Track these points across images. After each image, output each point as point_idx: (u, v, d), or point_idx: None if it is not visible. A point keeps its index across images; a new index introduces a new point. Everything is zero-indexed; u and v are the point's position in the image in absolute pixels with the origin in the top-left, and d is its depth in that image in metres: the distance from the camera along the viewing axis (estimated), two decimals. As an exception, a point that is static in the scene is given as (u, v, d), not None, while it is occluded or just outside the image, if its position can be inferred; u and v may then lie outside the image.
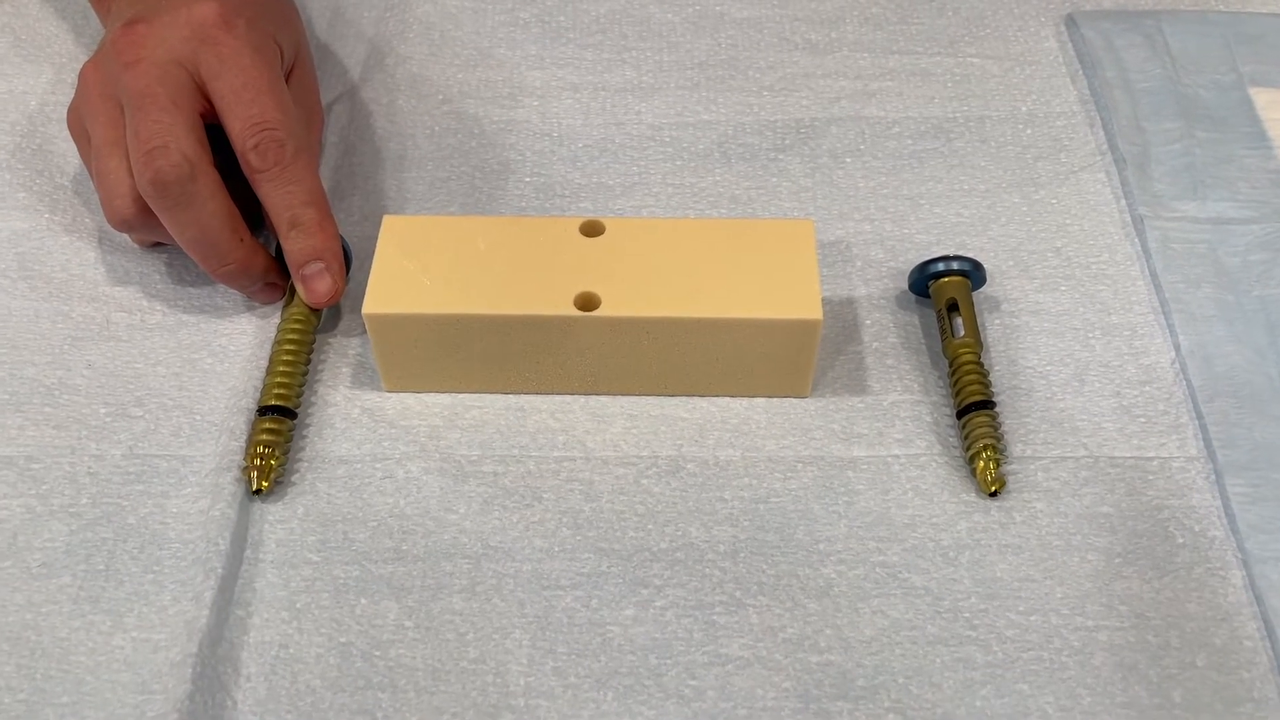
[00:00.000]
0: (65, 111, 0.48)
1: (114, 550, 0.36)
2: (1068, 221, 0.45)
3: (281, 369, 0.38)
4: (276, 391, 0.38)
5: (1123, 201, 0.46)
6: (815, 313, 0.37)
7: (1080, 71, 0.51)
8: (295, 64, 0.44)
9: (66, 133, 0.47)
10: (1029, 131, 0.49)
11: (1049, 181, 0.47)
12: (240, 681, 0.33)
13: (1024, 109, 0.49)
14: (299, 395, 0.39)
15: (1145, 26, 0.52)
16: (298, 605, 0.35)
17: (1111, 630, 0.35)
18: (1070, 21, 0.53)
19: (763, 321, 0.37)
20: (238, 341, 0.41)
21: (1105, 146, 0.48)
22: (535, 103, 0.50)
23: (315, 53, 0.51)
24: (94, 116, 0.40)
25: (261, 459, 0.36)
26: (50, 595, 0.35)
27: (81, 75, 0.41)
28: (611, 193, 0.46)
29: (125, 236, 0.44)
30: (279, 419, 0.37)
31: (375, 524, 0.37)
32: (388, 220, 0.39)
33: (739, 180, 0.47)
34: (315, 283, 0.39)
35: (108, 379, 0.40)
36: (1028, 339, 0.42)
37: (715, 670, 0.34)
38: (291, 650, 0.34)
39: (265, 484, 0.36)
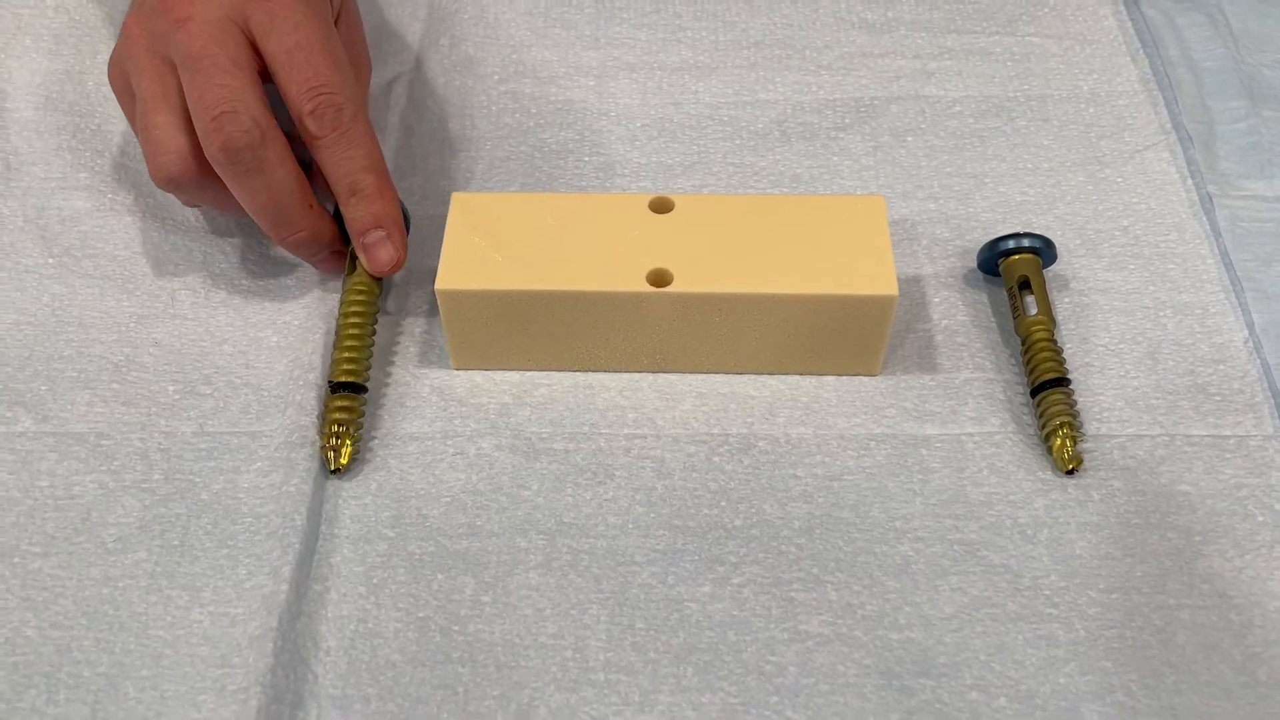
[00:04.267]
0: (123, 91, 0.48)
1: (188, 526, 0.36)
2: (1135, 200, 0.45)
3: (349, 344, 0.38)
4: (345, 368, 0.38)
5: (1189, 180, 0.45)
6: (891, 288, 0.37)
7: (1141, 50, 0.50)
8: (341, 9, 0.43)
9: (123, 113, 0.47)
10: (1091, 110, 0.48)
11: (1114, 160, 0.46)
12: (320, 655, 0.33)
13: (1085, 88, 0.49)
14: (368, 368, 0.38)
15: (1206, 5, 0.51)
16: (374, 580, 0.35)
17: (1194, 609, 0.34)
18: (1129, 0, 0.52)
19: (837, 297, 0.37)
20: (301, 317, 0.41)
21: (1169, 125, 0.47)
22: (591, 83, 0.49)
23: (370, 34, 0.50)
24: (140, 72, 0.39)
25: (337, 438, 0.36)
26: (127, 570, 0.35)
27: (125, 28, 0.40)
28: (671, 172, 0.46)
29: (186, 213, 0.44)
30: (351, 395, 0.37)
31: (449, 500, 0.36)
32: (457, 197, 0.39)
33: (799, 159, 0.46)
34: (377, 251, 0.39)
35: (175, 356, 0.40)
36: (1098, 317, 0.41)
37: (795, 647, 0.33)
38: (370, 625, 0.34)
39: (343, 462, 0.36)
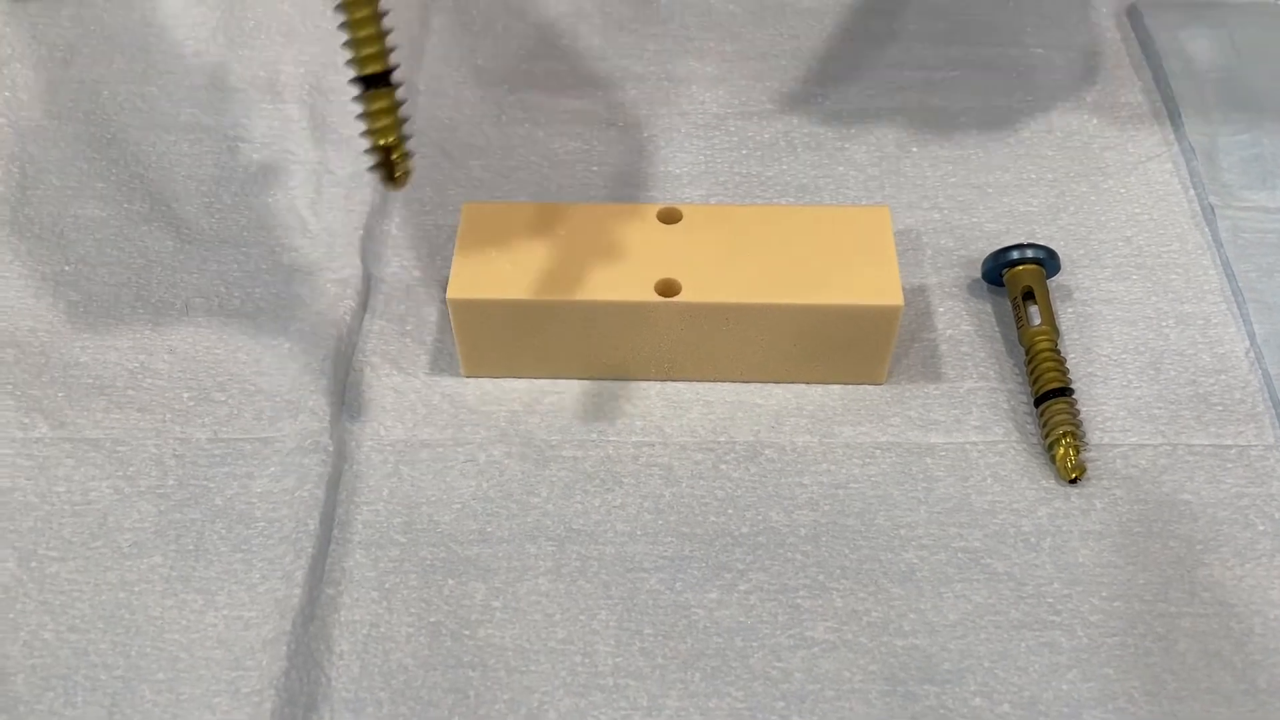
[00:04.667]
0: (137, 101, 0.49)
1: (202, 531, 0.36)
2: (1138, 211, 0.45)
3: (363, 32, 0.32)
4: (368, 53, 0.31)
5: (1192, 191, 0.46)
6: (896, 299, 0.37)
7: (1144, 62, 0.51)
8: None
9: (140, 121, 0.48)
10: (1095, 121, 0.49)
11: (1117, 171, 0.47)
12: (333, 659, 0.34)
13: (1089, 99, 0.49)
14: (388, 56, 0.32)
15: (1209, 18, 0.52)
16: (386, 585, 0.35)
17: (1195, 617, 0.35)
18: (1133, 12, 0.53)
19: (843, 308, 0.37)
20: (312, 324, 0.41)
21: (1172, 137, 0.48)
22: (600, 93, 0.50)
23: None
24: None
25: (391, 148, 0.32)
26: (142, 574, 0.35)
27: None
28: (679, 182, 0.47)
29: (200, 222, 0.45)
30: (389, 90, 0.32)
31: (459, 506, 0.37)
32: (467, 207, 0.40)
33: (806, 170, 0.47)
34: None
35: (189, 364, 0.40)
36: (1101, 327, 0.42)
37: (801, 653, 0.34)
38: (382, 629, 0.34)
39: (408, 170, 0.32)
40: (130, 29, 0.52)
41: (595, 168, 0.47)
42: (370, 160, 0.33)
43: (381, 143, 0.32)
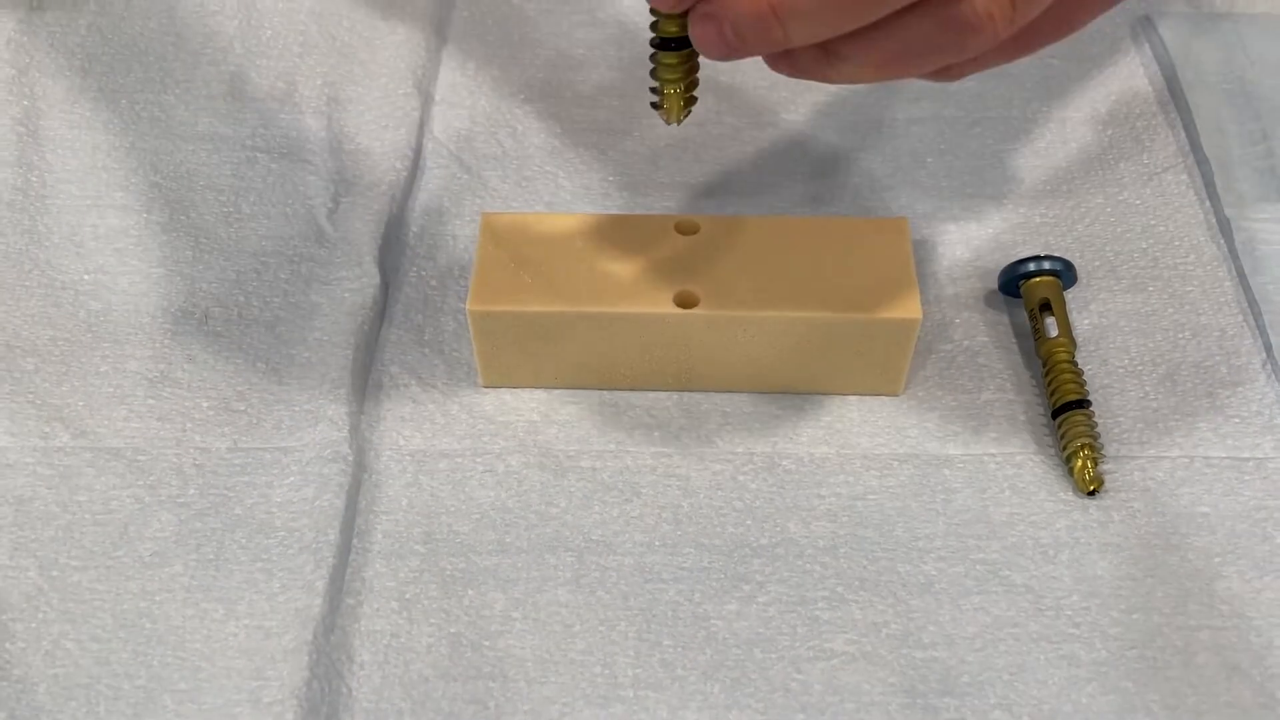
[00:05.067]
0: (155, 110, 0.49)
1: (223, 540, 0.36)
2: (1153, 222, 0.45)
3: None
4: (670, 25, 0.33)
5: (1207, 203, 0.46)
6: (914, 311, 0.37)
7: (1158, 73, 0.51)
8: None
9: (159, 131, 0.48)
10: (1110, 132, 0.49)
11: (1132, 182, 0.47)
12: (354, 669, 0.34)
13: (1104, 110, 0.50)
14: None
15: (1222, 29, 0.52)
16: (407, 595, 0.35)
17: (1214, 630, 0.35)
18: (1146, 24, 0.53)
19: (861, 320, 0.37)
20: (330, 333, 0.41)
21: (1187, 148, 0.48)
22: (615, 103, 0.50)
23: (392, 53, 0.51)
24: None
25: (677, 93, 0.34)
26: (163, 584, 0.35)
27: None
28: (695, 192, 0.47)
29: (219, 231, 0.45)
30: (681, 50, 0.33)
31: (479, 517, 0.37)
32: (486, 217, 0.40)
33: (821, 180, 0.47)
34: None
35: (209, 373, 0.41)
36: (1118, 339, 0.42)
37: (820, 665, 0.34)
38: (403, 639, 0.34)
39: (684, 115, 0.35)
40: (148, 38, 0.52)
41: (612, 178, 0.47)
42: (658, 100, 0.35)
43: (675, 92, 0.34)
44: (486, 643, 0.34)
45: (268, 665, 0.34)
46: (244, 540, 0.36)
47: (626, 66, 0.52)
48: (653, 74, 0.35)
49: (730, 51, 0.31)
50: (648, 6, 0.32)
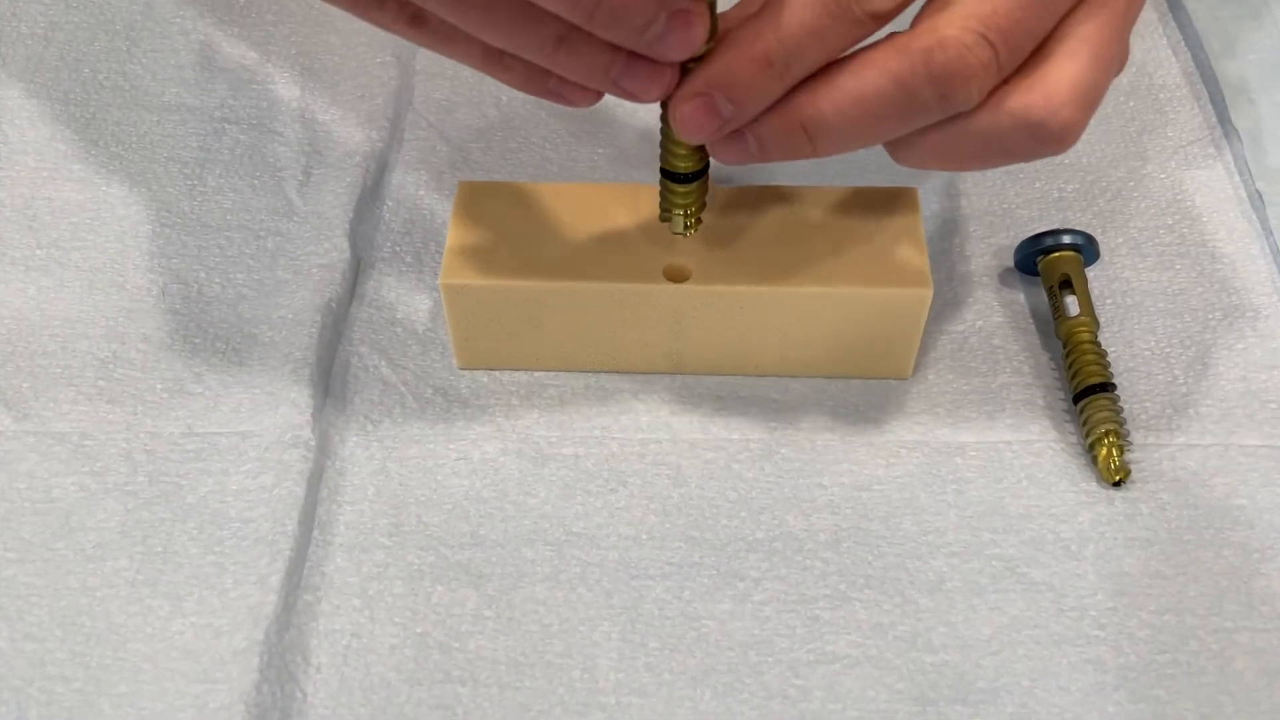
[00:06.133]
0: (120, 80, 0.46)
1: (172, 531, 0.33)
2: (1179, 197, 0.42)
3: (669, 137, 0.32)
4: (680, 151, 0.32)
5: (1237, 177, 0.43)
6: (925, 284, 0.34)
7: (1182, 44, 0.48)
8: None
9: (122, 101, 0.46)
10: (1131, 104, 0.46)
11: (1156, 156, 0.44)
12: (310, 671, 0.31)
13: (1124, 81, 0.47)
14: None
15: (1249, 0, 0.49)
16: (370, 592, 0.32)
17: (1253, 632, 0.32)
18: (1170, -8, 0.50)
19: (868, 294, 0.34)
20: (295, 310, 0.38)
21: (1214, 120, 0.45)
22: (607, 73, 0.47)
23: (374, 28, 0.48)
24: None
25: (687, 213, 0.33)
26: (106, 579, 0.33)
27: None
28: (690, 166, 0.44)
29: (182, 205, 0.42)
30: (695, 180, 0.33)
31: (450, 507, 0.34)
32: (463, 186, 0.37)
33: (825, 153, 0.44)
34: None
35: (165, 353, 0.38)
36: (1144, 320, 0.39)
37: (821, 669, 0.31)
38: (364, 639, 0.31)
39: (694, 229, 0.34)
40: (115, 6, 0.50)
41: (601, 149, 0.44)
42: (668, 216, 0.34)
43: (684, 214, 0.34)
44: (456, 644, 0.31)
45: (215, 667, 0.31)
46: (195, 531, 0.33)
47: (618, 36, 0.49)
48: (662, 195, 0.34)
49: (748, 160, 0.30)
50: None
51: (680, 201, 0.33)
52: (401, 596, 0.32)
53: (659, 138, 0.33)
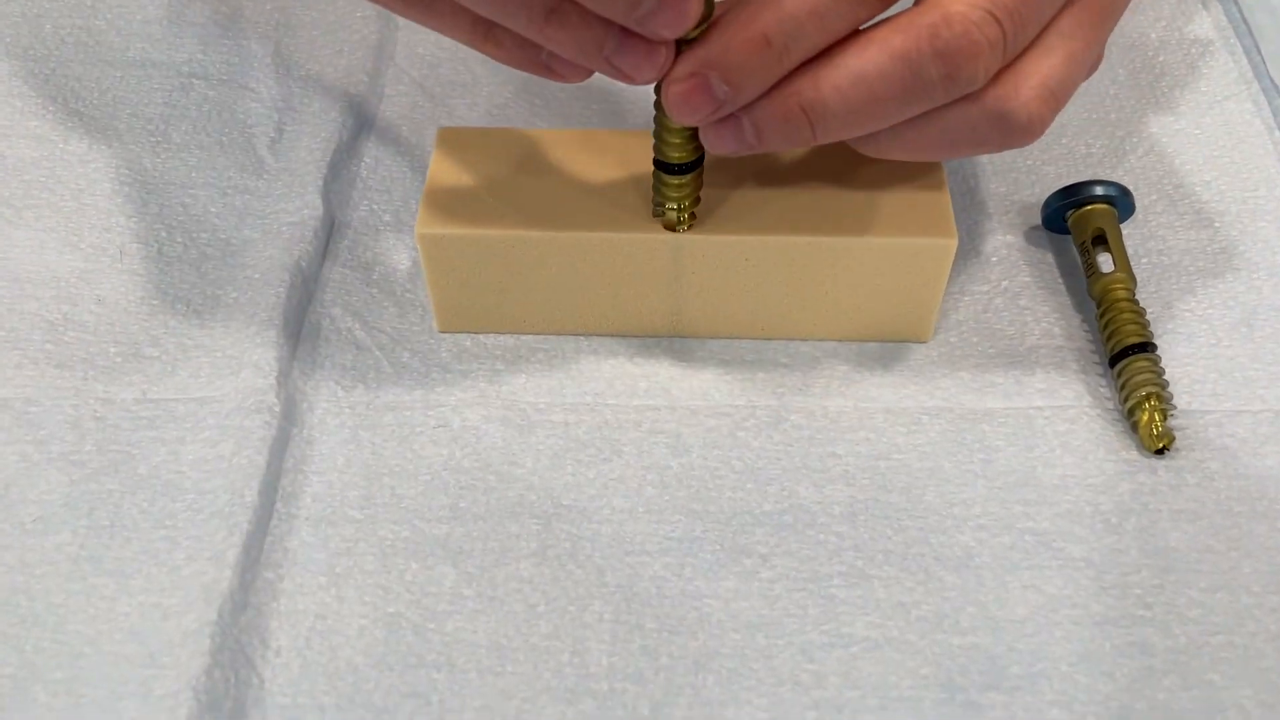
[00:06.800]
0: (82, 35, 0.43)
1: (120, 503, 0.30)
2: (1216, 153, 0.39)
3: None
4: (674, 142, 0.30)
5: (1277, 133, 0.40)
6: (949, 234, 0.31)
7: (1214, -3, 0.45)
8: None
9: (85, 56, 0.43)
10: (1161, 59, 0.43)
11: (1190, 111, 0.41)
12: (268, 656, 0.28)
13: (1153, 35, 0.44)
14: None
15: (1284, -50, 0.46)
16: (338, 569, 0.29)
17: (1315, 612, 0.29)
18: (1198, -54, 0.47)
19: (886, 245, 0.31)
20: (264, 270, 0.35)
21: (1250, 74, 0.42)
22: (602, 29, 0.44)
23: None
24: None
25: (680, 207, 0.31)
26: (45, 555, 0.29)
27: None
28: (690, 123, 0.41)
29: (144, 162, 0.39)
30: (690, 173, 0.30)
31: (428, 478, 0.31)
32: (443, 132, 0.34)
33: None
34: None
35: (120, 315, 0.35)
36: (1182, 279, 0.36)
37: (838, 653, 0.28)
38: (330, 621, 0.28)
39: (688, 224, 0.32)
40: (79, -39, 0.47)
41: (596, 105, 0.41)
42: (661, 211, 0.32)
43: (678, 208, 0.31)
44: (431, 625, 0.28)
45: (162, 651, 0.28)
46: (145, 504, 0.30)
47: (614, -9, 0.46)
48: (655, 189, 0.31)
49: (744, 150, 0.28)
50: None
51: (674, 194, 0.31)
52: (372, 574, 0.29)
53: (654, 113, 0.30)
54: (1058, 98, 0.27)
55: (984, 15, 0.25)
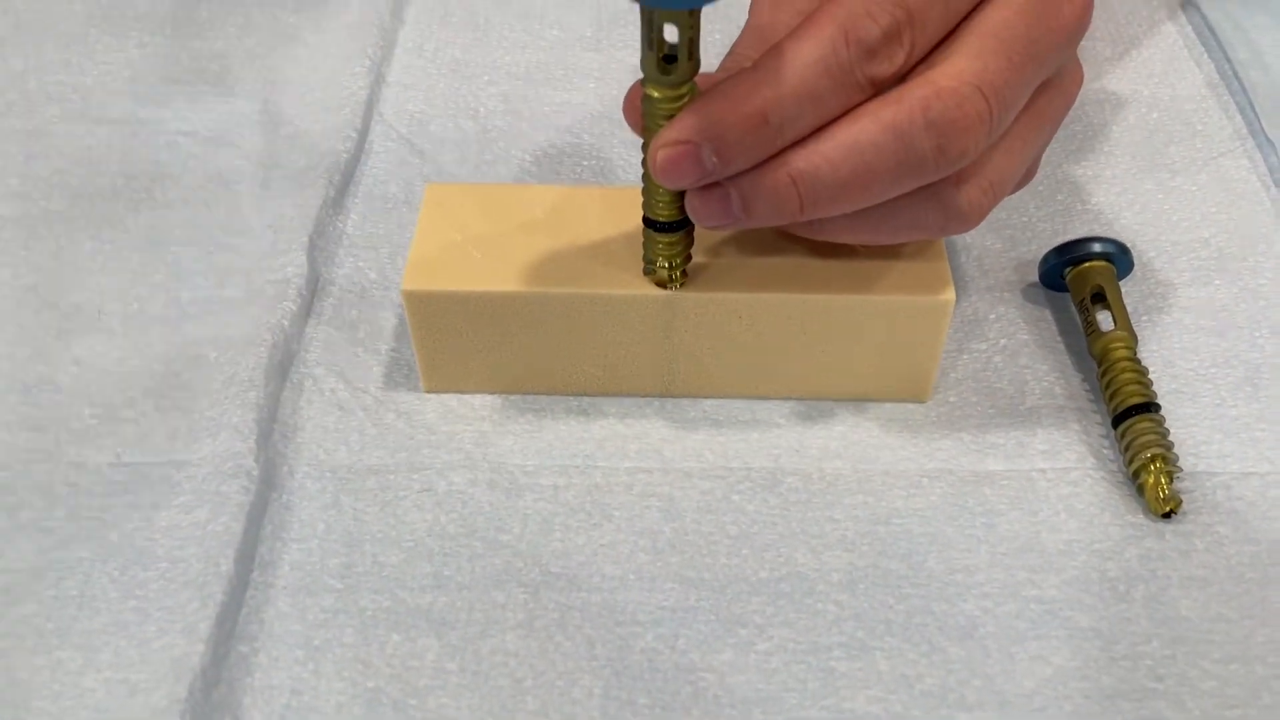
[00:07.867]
0: (69, 92, 0.43)
1: (90, 573, 0.29)
2: (1213, 210, 0.39)
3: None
4: (661, 199, 0.29)
5: (1273, 190, 0.40)
6: (946, 292, 0.31)
7: (1205, 54, 0.45)
8: None
9: (71, 114, 0.42)
10: (1155, 115, 0.43)
11: (1185, 168, 0.41)
12: (240, 736, 0.26)
13: (1146, 92, 0.44)
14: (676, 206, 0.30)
15: (1272, 7, 0.46)
16: (315, 642, 0.28)
17: (1334, 683, 0.27)
18: (1188, 4, 0.47)
19: (882, 303, 0.31)
20: (246, 330, 0.35)
21: (1245, 130, 0.42)
22: (592, 85, 0.44)
23: (349, 34, 0.46)
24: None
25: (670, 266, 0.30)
26: (10, 627, 0.28)
27: None
28: (681, 179, 0.41)
29: (126, 221, 0.38)
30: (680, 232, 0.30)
31: (411, 545, 0.30)
32: (430, 188, 0.34)
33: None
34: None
35: (97, 376, 0.34)
36: (1183, 338, 0.35)
37: (838, 729, 0.27)
38: (306, 697, 0.27)
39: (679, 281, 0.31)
40: (69, 19, 0.47)
41: (585, 162, 0.41)
42: (652, 269, 0.31)
43: (668, 266, 0.31)
44: (413, 701, 0.27)
45: (129, 731, 0.26)
46: (115, 573, 0.29)
47: (604, 49, 0.46)
48: (646, 246, 0.30)
49: (731, 224, 0.28)
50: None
51: (664, 251, 0.30)
52: (352, 646, 0.28)
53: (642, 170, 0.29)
54: (996, 192, 0.28)
55: (972, 89, 0.26)
